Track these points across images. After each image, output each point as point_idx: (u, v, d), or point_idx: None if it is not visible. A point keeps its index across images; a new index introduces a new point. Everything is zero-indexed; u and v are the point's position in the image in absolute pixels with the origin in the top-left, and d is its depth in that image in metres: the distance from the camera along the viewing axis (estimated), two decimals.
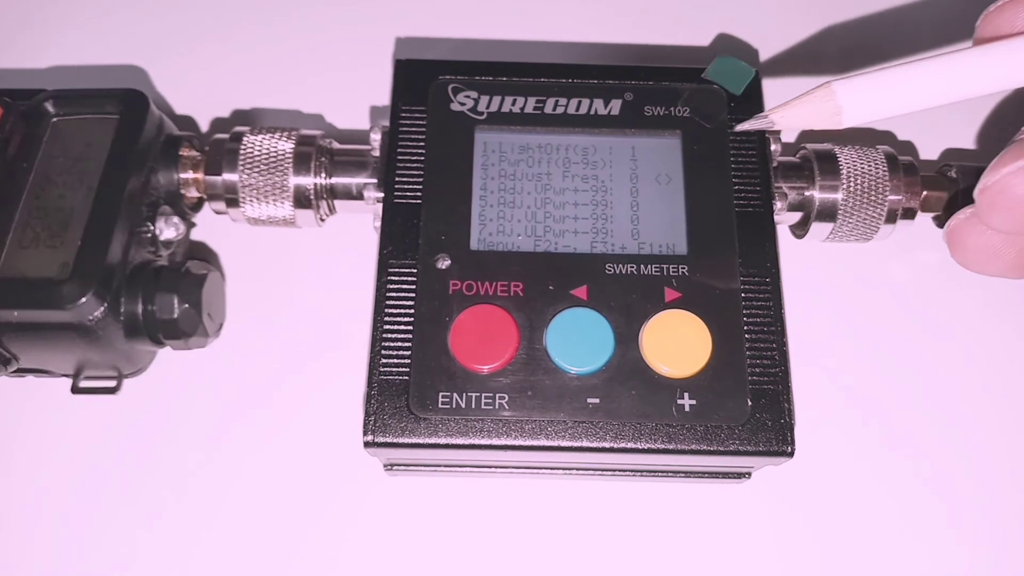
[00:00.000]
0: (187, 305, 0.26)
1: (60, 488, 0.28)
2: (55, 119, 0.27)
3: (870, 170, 0.27)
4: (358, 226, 0.30)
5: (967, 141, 0.33)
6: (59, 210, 0.25)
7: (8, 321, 0.24)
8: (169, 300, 0.26)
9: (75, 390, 0.27)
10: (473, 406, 0.24)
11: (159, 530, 0.27)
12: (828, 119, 0.21)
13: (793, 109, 0.21)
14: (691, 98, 0.28)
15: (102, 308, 0.24)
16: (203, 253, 0.31)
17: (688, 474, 0.27)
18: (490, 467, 0.27)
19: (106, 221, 0.25)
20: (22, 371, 0.27)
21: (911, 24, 0.35)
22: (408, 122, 0.27)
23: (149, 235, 0.27)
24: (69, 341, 0.25)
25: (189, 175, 0.28)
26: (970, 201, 0.24)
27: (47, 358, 0.26)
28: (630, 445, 0.24)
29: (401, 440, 0.24)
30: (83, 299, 0.24)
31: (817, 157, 0.28)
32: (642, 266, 0.25)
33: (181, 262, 0.27)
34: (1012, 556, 0.27)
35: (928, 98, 0.21)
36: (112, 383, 0.27)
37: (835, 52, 0.34)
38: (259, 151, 0.28)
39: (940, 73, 0.20)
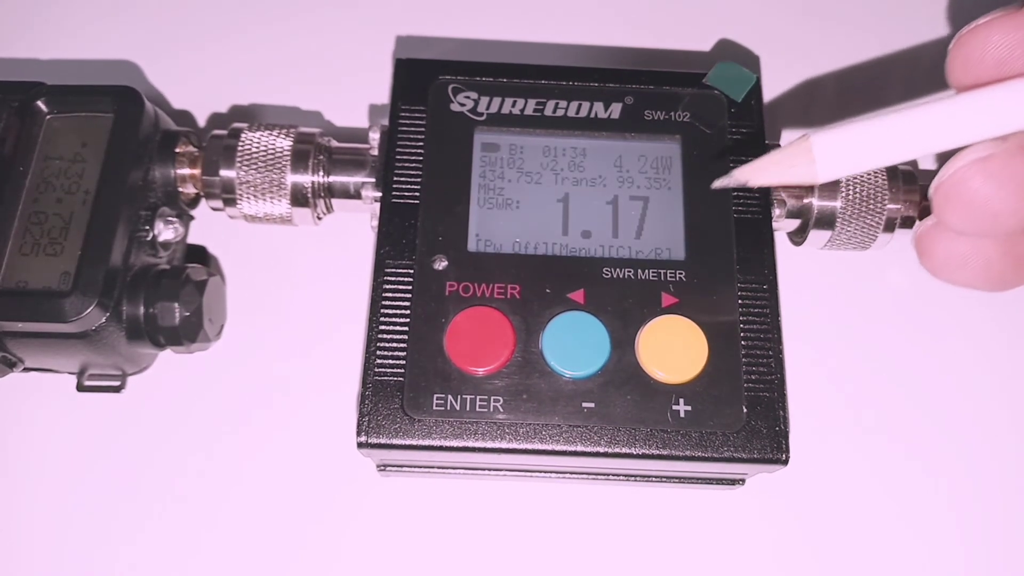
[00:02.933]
0: (188, 313, 0.26)
1: (61, 485, 0.27)
2: (49, 117, 0.27)
3: (869, 179, 0.27)
4: (355, 225, 0.30)
5: None
6: (57, 215, 0.25)
7: (12, 330, 0.24)
8: (170, 308, 0.25)
9: (80, 388, 0.27)
10: (468, 408, 0.24)
11: (157, 529, 0.27)
12: (803, 175, 0.20)
13: (768, 166, 0.21)
14: (691, 103, 0.28)
15: (105, 318, 0.24)
16: (201, 254, 0.31)
17: (682, 480, 0.27)
18: (484, 469, 0.26)
19: (105, 227, 0.25)
20: (27, 369, 0.27)
21: (913, 30, 0.34)
22: (407, 122, 0.27)
23: (148, 238, 0.26)
24: (73, 347, 0.25)
25: (186, 171, 0.28)
26: None
27: (51, 361, 0.26)
28: (624, 450, 0.24)
29: (394, 441, 0.23)
30: (86, 312, 0.24)
31: None
32: (639, 271, 0.25)
33: (181, 264, 0.27)
34: (1012, 561, 0.27)
35: (906, 151, 0.20)
36: (116, 382, 0.27)
37: (836, 58, 0.34)
38: (257, 148, 0.27)
39: (919, 126, 0.20)
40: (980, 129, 0.20)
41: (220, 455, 0.28)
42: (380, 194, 0.26)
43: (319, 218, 0.29)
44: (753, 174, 0.21)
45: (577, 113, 0.28)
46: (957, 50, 0.21)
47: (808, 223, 0.28)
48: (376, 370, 0.24)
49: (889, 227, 0.28)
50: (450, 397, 0.24)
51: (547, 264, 0.25)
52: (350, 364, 0.28)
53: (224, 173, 0.27)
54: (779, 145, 0.28)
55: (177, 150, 0.28)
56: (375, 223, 0.26)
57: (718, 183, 0.22)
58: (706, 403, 0.24)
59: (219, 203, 0.28)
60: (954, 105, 0.20)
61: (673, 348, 0.24)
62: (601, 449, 0.24)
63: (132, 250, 0.26)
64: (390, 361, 0.24)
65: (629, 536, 0.27)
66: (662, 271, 0.25)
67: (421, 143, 0.27)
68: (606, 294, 0.25)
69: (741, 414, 0.24)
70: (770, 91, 0.33)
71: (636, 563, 0.27)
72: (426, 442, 0.23)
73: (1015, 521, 0.28)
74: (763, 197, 0.26)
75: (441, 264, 0.25)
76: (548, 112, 0.28)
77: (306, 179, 0.28)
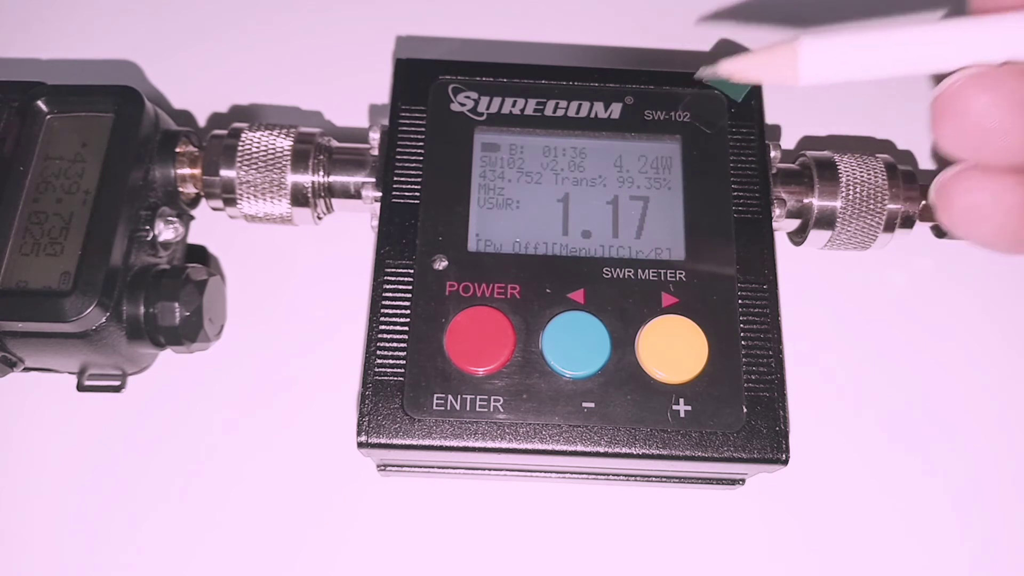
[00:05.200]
0: (188, 313, 0.26)
1: (61, 485, 0.27)
2: (49, 117, 0.27)
3: (869, 178, 0.27)
4: (355, 225, 0.30)
5: None
6: (57, 215, 0.25)
7: (12, 330, 0.24)
8: (170, 308, 0.25)
9: (80, 388, 0.27)
10: (468, 408, 0.24)
11: (157, 528, 0.27)
12: (785, 77, 0.21)
13: (753, 64, 0.21)
14: (691, 103, 0.28)
15: (105, 317, 0.24)
16: (201, 254, 0.31)
17: (682, 480, 0.27)
18: (484, 469, 0.26)
19: (105, 227, 0.25)
20: (28, 369, 0.27)
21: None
22: (408, 121, 0.27)
23: (148, 238, 0.26)
24: (73, 347, 0.25)
25: (186, 171, 0.28)
26: None
27: (51, 360, 0.26)
28: (624, 450, 0.24)
29: (394, 441, 0.23)
30: (86, 312, 0.24)
31: (816, 165, 0.28)
32: (639, 271, 0.25)
33: (181, 264, 0.27)
34: (1012, 561, 0.27)
35: (892, 67, 0.20)
36: (117, 382, 0.27)
37: None
38: (257, 148, 0.28)
39: (910, 42, 0.20)
40: (970, 53, 0.20)
41: (220, 455, 0.28)
42: (380, 194, 0.27)
43: (319, 218, 0.29)
44: (738, 70, 0.21)
45: (577, 113, 0.28)
46: None
47: (808, 223, 0.28)
48: (376, 370, 0.24)
49: (889, 227, 0.28)
50: (450, 397, 0.24)
51: (547, 264, 0.25)
52: (350, 364, 0.28)
53: (224, 173, 0.27)
54: (779, 145, 0.28)
55: (177, 150, 0.28)
56: (375, 223, 0.26)
57: (702, 72, 0.22)
58: (706, 403, 0.24)
59: (219, 203, 0.28)
60: (949, 27, 0.20)
61: (673, 348, 0.24)
62: (601, 449, 0.24)
63: (132, 250, 0.26)
64: (390, 361, 0.24)
65: (629, 536, 0.27)
66: (662, 271, 0.25)
67: (421, 143, 0.27)
68: (606, 294, 0.25)
69: (741, 414, 0.24)
70: (770, 91, 0.33)
71: (636, 563, 0.27)
72: (426, 442, 0.24)
73: (1015, 521, 0.28)
74: (763, 197, 0.26)
75: (441, 264, 0.25)
76: (548, 112, 0.28)
77: (306, 179, 0.28)
